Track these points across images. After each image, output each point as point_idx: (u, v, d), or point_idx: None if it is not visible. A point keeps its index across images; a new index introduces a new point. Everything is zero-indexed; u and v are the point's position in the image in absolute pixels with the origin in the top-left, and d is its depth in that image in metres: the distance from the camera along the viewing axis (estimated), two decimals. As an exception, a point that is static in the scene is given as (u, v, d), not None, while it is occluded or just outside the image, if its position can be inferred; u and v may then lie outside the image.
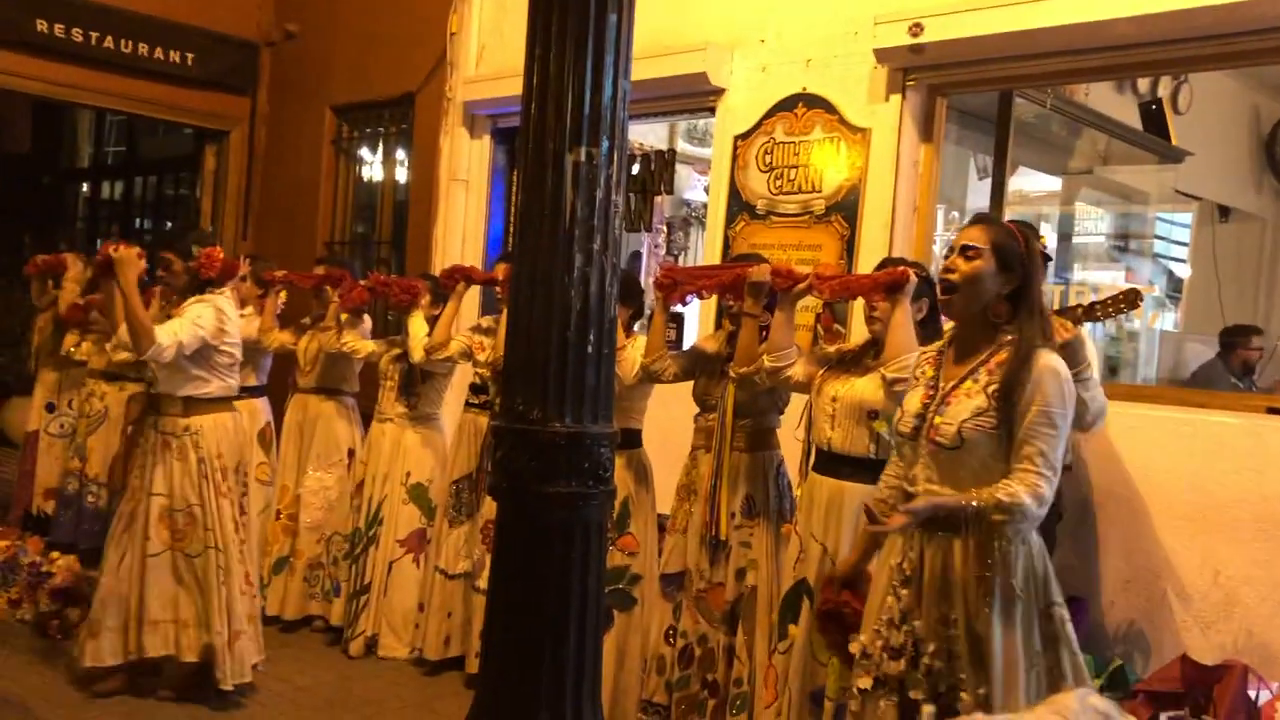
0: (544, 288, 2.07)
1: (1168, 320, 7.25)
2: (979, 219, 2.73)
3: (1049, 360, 2.49)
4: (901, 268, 3.34)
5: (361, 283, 5.17)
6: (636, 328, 4.36)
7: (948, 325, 4.00)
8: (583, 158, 2.07)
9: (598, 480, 2.09)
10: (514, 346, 2.15)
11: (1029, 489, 2.42)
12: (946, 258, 2.62)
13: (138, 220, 10.18)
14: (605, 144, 2.09)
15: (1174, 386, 5.45)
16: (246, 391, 5.50)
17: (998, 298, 2.57)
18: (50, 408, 6.44)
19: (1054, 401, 2.45)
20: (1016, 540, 2.51)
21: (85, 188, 10.84)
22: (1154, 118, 6.00)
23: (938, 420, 2.55)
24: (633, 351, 4.00)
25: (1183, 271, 7.24)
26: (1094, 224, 6.93)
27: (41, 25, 6.73)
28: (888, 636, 2.63)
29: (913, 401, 2.66)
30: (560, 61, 2.09)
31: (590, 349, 2.10)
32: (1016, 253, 2.57)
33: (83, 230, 10.48)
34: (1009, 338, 2.56)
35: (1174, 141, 6.14)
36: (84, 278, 6.40)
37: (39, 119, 10.23)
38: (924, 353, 2.80)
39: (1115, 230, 7.00)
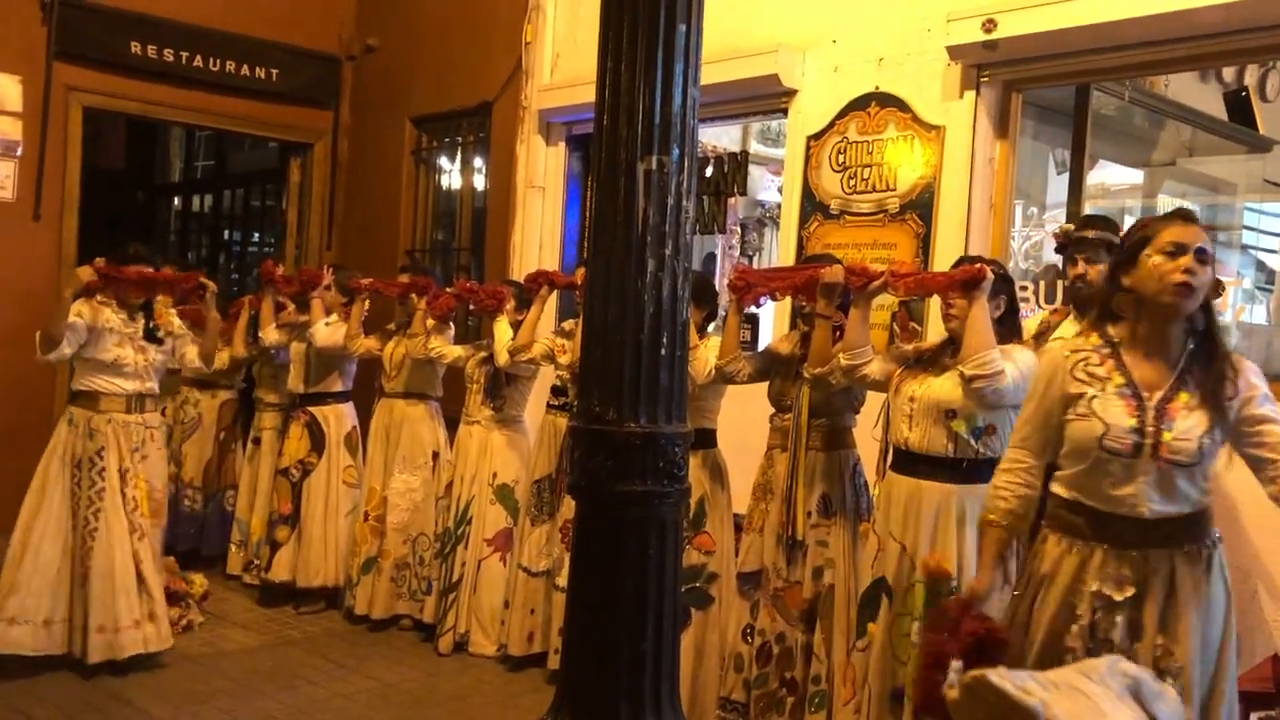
0: (618, 292, 2.13)
1: (1259, 313, 7.05)
2: (1193, 217, 2.53)
3: (1241, 358, 2.51)
4: (979, 264, 3.33)
5: (448, 290, 5.30)
6: (711, 329, 4.40)
7: (1026, 321, 3.98)
8: (654, 166, 2.12)
9: (672, 479, 2.14)
10: (589, 349, 2.21)
11: None
12: (1173, 255, 2.40)
13: (226, 232, 10.50)
14: (676, 152, 2.14)
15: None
16: (333, 397, 5.69)
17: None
18: (147, 415, 6.69)
19: (1266, 385, 2.47)
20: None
21: (177, 202, 11.20)
22: (1239, 107, 5.85)
23: (1168, 437, 2.39)
24: (706, 352, 4.04)
25: (1274, 263, 7.03)
26: (1180, 216, 6.76)
27: (135, 47, 7.00)
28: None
29: (1115, 413, 2.43)
30: (631, 72, 2.14)
31: (664, 351, 2.14)
32: (1214, 258, 2.50)
33: (175, 243, 10.83)
34: (1195, 341, 2.49)
35: (1261, 130, 5.98)
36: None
37: (132, 136, 10.59)
38: (1077, 349, 2.55)
39: (1203, 221, 6.81)
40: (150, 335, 4.82)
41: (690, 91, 2.17)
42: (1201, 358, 2.48)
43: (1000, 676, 1.16)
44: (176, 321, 5.06)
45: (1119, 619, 2.42)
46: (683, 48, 2.16)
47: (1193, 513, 2.47)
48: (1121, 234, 3.86)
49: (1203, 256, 2.42)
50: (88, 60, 6.87)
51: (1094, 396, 2.48)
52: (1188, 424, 2.41)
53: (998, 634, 2.43)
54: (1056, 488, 2.59)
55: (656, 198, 2.12)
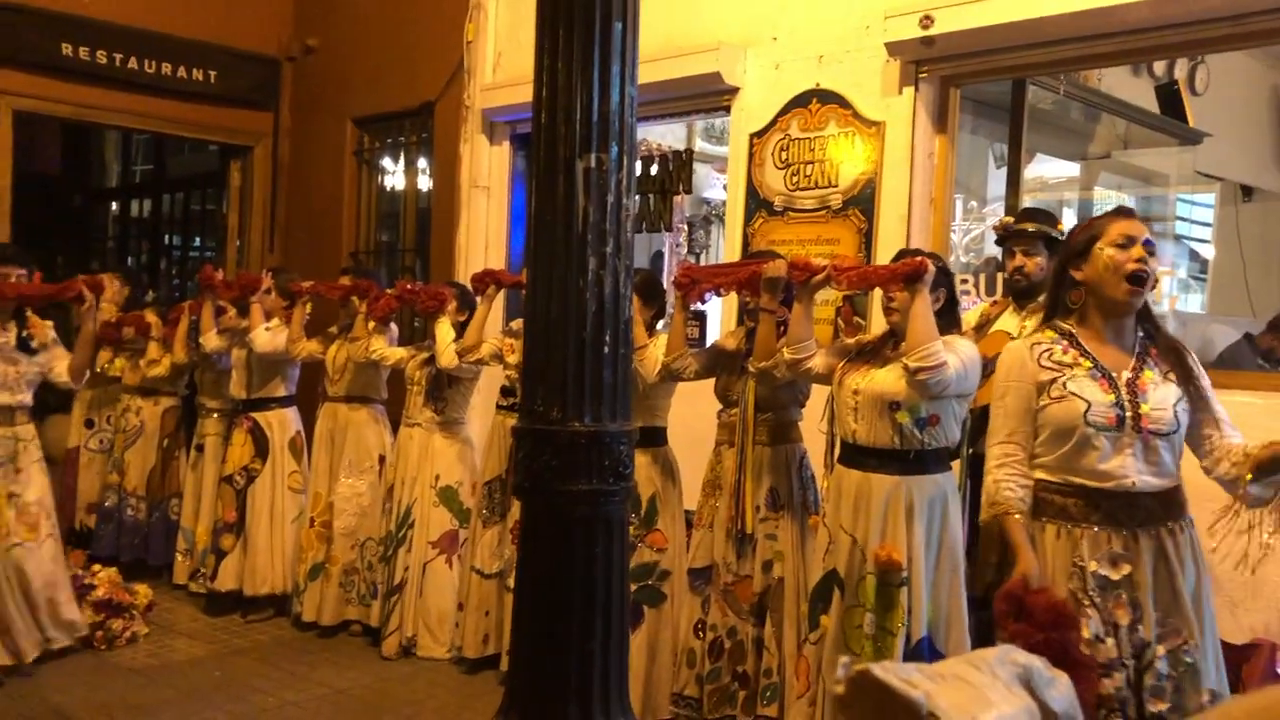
0: (559, 291, 2.13)
1: (1194, 302, 7.21)
2: (1133, 211, 2.68)
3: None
4: (919, 258, 3.37)
5: (389, 291, 5.25)
6: (660, 326, 4.41)
7: (966, 313, 4.04)
8: (593, 164, 2.12)
9: (618, 477, 2.14)
10: (532, 349, 2.21)
11: None
12: (1125, 247, 2.52)
13: (166, 237, 10.33)
14: (614, 149, 2.14)
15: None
16: (276, 402, 5.62)
17: None
18: (89, 424, 6.58)
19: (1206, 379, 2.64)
20: None
21: (115, 207, 11.00)
22: (1170, 100, 5.98)
23: (1146, 409, 2.51)
24: (655, 350, 4.04)
25: (1207, 253, 7.20)
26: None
27: (67, 49, 6.85)
28: (1091, 654, 2.44)
29: (1091, 390, 2.53)
30: (568, 71, 2.14)
31: (607, 349, 2.15)
32: None
33: (113, 249, 10.64)
34: (1142, 328, 2.63)
35: (1191, 123, 6.12)
36: (121, 297, 6.54)
37: (68, 141, 10.39)
38: (1038, 342, 2.64)
39: (1137, 213, 6.95)
40: (23, 345, 4.65)
41: (628, 89, 2.18)
42: (1155, 342, 2.63)
43: (884, 669, 1.17)
44: (51, 333, 4.83)
45: (1123, 597, 2.48)
46: (619, 46, 2.16)
47: (1173, 487, 2.58)
48: (1059, 226, 3.95)
49: (1150, 247, 2.55)
50: (18, 63, 6.72)
51: (1066, 379, 2.57)
52: (1159, 395, 2.54)
53: (1065, 604, 2.43)
54: (1042, 474, 2.64)
55: (596, 196, 2.13)
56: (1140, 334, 2.64)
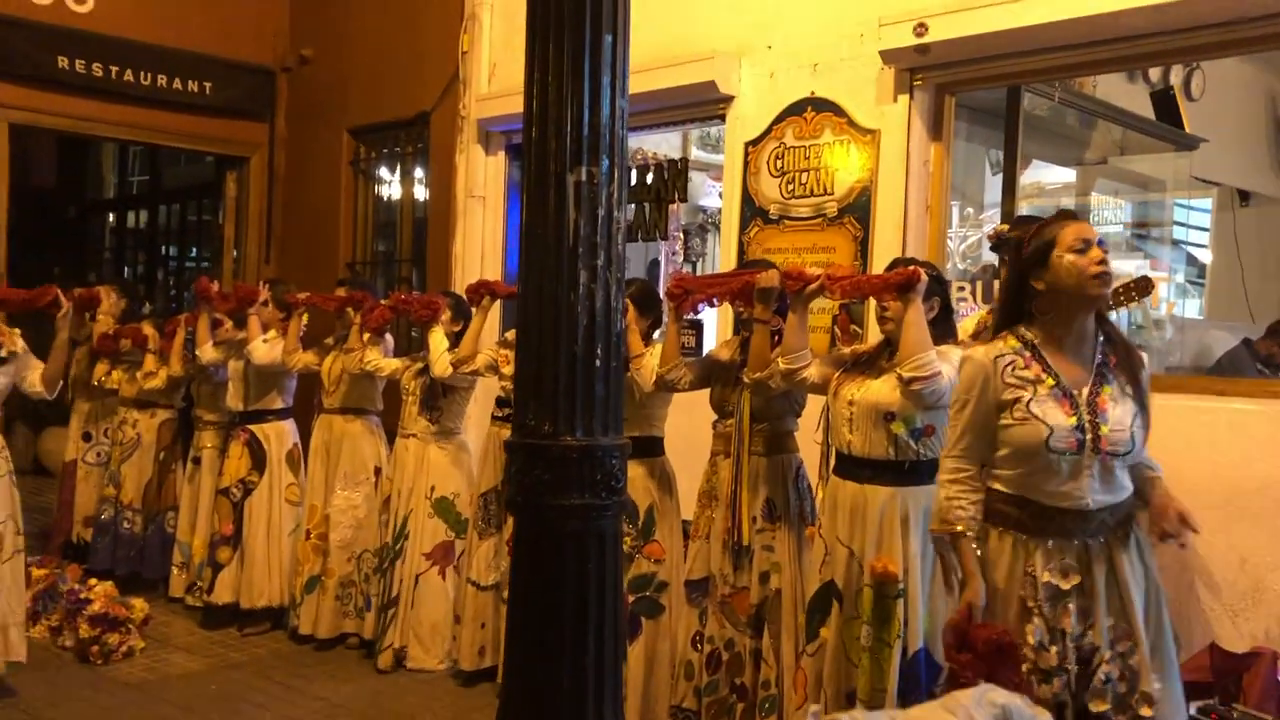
0: (550, 304, 2.11)
1: (1192, 307, 7.20)
2: (1076, 215, 2.73)
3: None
4: (913, 267, 3.36)
5: (383, 302, 5.24)
6: (656, 336, 4.40)
7: (964, 321, 4.03)
8: (584, 177, 2.10)
9: (610, 491, 2.12)
10: (524, 362, 2.19)
11: None
12: (1083, 251, 2.53)
13: (163, 248, 10.32)
14: (605, 162, 2.13)
15: (1195, 375, 5.42)
16: (273, 414, 5.61)
17: None
18: (87, 437, 6.57)
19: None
20: None
21: (111, 218, 11.00)
22: (1166, 106, 5.98)
23: (1105, 430, 2.52)
24: (651, 360, 4.03)
25: (1205, 258, 7.19)
26: (1112, 213, 6.90)
27: (62, 62, 6.85)
28: (1035, 660, 2.51)
29: (1055, 415, 2.53)
30: (559, 84, 2.13)
31: (599, 363, 2.13)
32: None
33: (110, 261, 10.64)
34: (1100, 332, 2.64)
35: (1187, 129, 6.12)
36: (118, 310, 6.53)
37: (63, 153, 10.39)
38: (1000, 354, 2.62)
39: (1134, 219, 6.97)
40: None
41: (618, 102, 2.17)
42: (1113, 349, 2.64)
43: (853, 718, 1.15)
44: (20, 341, 4.66)
45: (1071, 606, 2.52)
46: (610, 58, 2.15)
47: (1124, 499, 2.61)
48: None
49: (1104, 247, 2.58)
50: (13, 76, 6.72)
51: (1030, 400, 2.56)
52: (1118, 414, 2.55)
53: (1008, 637, 2.46)
54: (996, 484, 2.65)
55: (587, 209, 2.11)
56: (1100, 339, 2.64)
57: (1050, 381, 2.57)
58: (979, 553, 2.62)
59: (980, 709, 1.17)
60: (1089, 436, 2.51)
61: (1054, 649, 2.52)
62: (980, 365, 2.64)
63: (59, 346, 4.75)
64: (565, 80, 2.12)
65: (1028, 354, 2.61)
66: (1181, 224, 7.09)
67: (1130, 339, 2.91)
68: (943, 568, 2.76)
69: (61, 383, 4.83)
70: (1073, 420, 2.52)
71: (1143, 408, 2.60)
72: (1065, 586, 2.52)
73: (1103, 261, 2.53)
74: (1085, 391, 2.56)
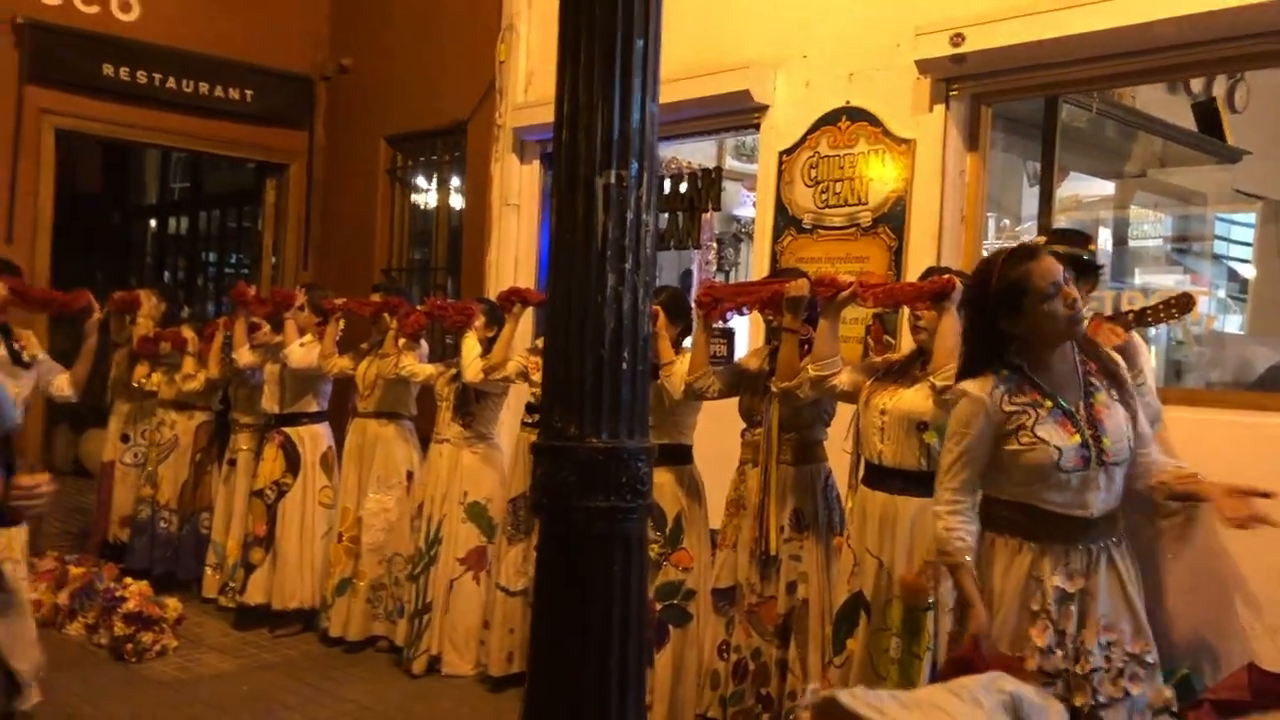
0: (578, 307, 2.11)
1: (1234, 323, 7.09)
2: (1038, 252, 2.69)
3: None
4: (947, 276, 3.34)
5: (418, 308, 5.28)
6: (687, 343, 4.39)
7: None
8: (613, 180, 2.11)
9: (635, 494, 2.12)
10: (551, 365, 2.20)
11: None
12: (1054, 295, 2.55)
13: (203, 253, 10.46)
14: (635, 166, 2.13)
15: (1235, 390, 5.33)
16: (308, 417, 5.66)
17: None
18: (125, 438, 6.65)
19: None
20: None
21: (153, 224, 11.16)
22: (1208, 118, 5.90)
23: (1107, 442, 2.57)
24: (681, 367, 4.03)
25: (1247, 272, 7.08)
26: (1152, 227, 6.82)
27: (108, 70, 6.98)
28: (1041, 664, 2.54)
29: (1059, 435, 2.54)
30: (589, 87, 2.13)
31: (625, 366, 2.13)
32: None
33: (151, 265, 10.79)
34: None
35: (1229, 141, 6.03)
36: (158, 313, 6.63)
37: (108, 159, 10.57)
38: (994, 385, 2.60)
39: (1174, 233, 6.87)
40: (16, 359, 4.50)
41: (649, 106, 2.17)
42: (1088, 357, 2.69)
43: (852, 697, 1.12)
44: (38, 346, 4.70)
45: (1072, 609, 2.56)
46: (640, 62, 2.15)
47: (1119, 506, 2.67)
48: (1091, 246, 3.89)
49: (1068, 278, 2.60)
50: (60, 83, 6.85)
51: (1034, 424, 2.58)
52: (1114, 423, 2.61)
53: (1019, 665, 2.46)
54: (996, 494, 2.66)
55: (616, 212, 2.11)
56: (1075, 351, 2.68)
57: (1049, 404, 2.59)
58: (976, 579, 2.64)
59: (988, 694, 1.15)
60: (1094, 451, 2.56)
61: (1059, 652, 2.55)
62: (977, 400, 2.61)
63: (87, 350, 4.85)
64: (596, 84, 2.13)
65: (1019, 380, 2.63)
66: (1223, 238, 6.99)
67: (1120, 351, 2.97)
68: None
69: (84, 384, 4.90)
70: (1077, 439, 2.56)
71: (1129, 407, 2.66)
72: (1072, 590, 2.56)
73: (1074, 301, 2.57)
74: (1081, 406, 2.60)
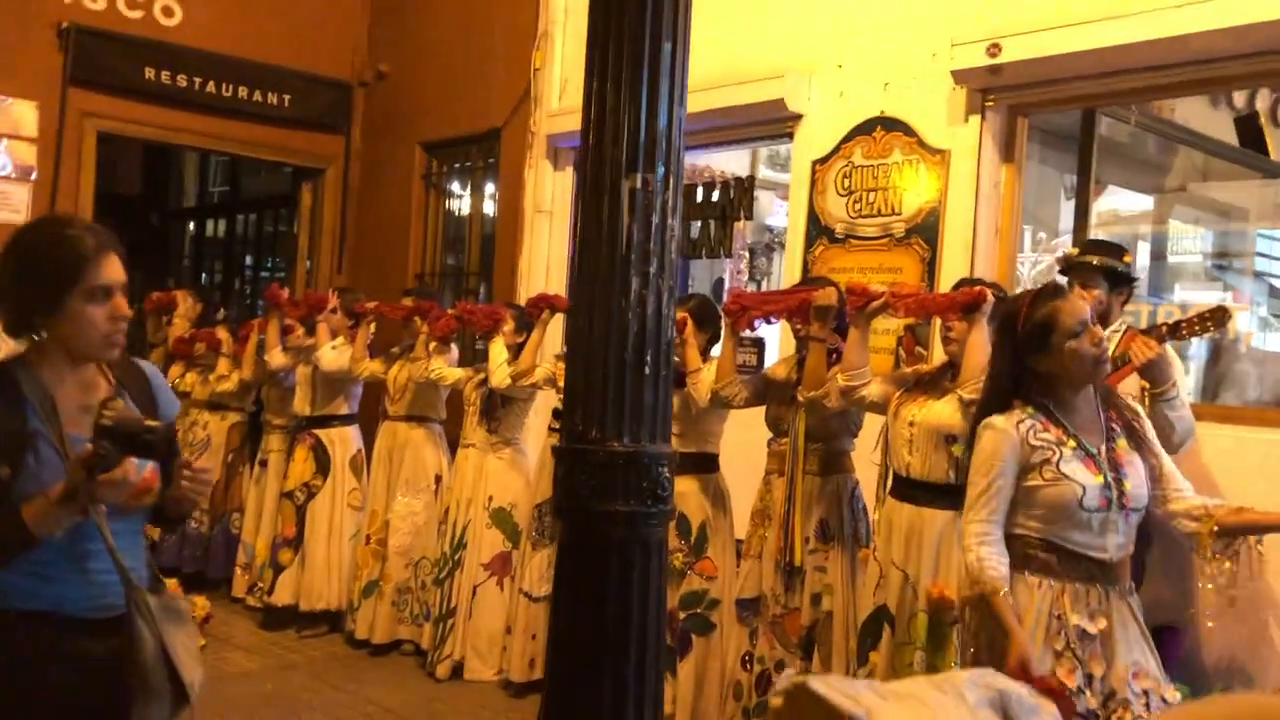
0: (602, 310, 2.10)
1: (1274, 341, 6.97)
2: (1064, 289, 2.80)
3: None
4: (979, 287, 3.31)
5: (449, 312, 5.30)
6: (715, 351, 4.38)
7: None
8: (639, 184, 2.10)
9: (656, 499, 2.10)
10: (573, 367, 2.19)
11: None
12: (1081, 334, 2.59)
13: (240, 256, 10.56)
14: (661, 170, 2.12)
15: (1275, 408, 5.24)
16: (339, 420, 5.69)
17: None
18: (157, 437, 6.71)
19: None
20: None
21: (191, 226, 11.28)
22: (1251, 132, 5.81)
23: (1128, 487, 2.59)
24: (708, 375, 4.02)
25: (1289, 290, 6.95)
26: (1191, 242, 6.72)
27: (149, 73, 7.07)
28: (1075, 704, 2.53)
29: (1082, 474, 2.56)
30: (617, 91, 2.12)
31: (648, 370, 2.11)
32: None
33: (189, 267, 10.90)
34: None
35: (1272, 155, 5.94)
36: (194, 314, 6.70)
37: (148, 161, 10.70)
38: (1020, 420, 2.62)
39: (1214, 248, 6.77)
40: None
41: (676, 110, 2.16)
42: (1107, 406, 2.70)
43: (825, 683, 1.09)
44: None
45: (1097, 650, 2.55)
46: (669, 66, 2.14)
47: (1129, 554, 2.67)
48: (1127, 259, 3.85)
49: (1093, 318, 2.65)
50: (103, 86, 6.94)
51: (1059, 460, 2.59)
52: (1135, 469, 2.63)
53: (1063, 692, 2.46)
54: (1022, 531, 2.64)
55: (641, 216, 2.10)
56: (1096, 398, 2.70)
57: (1073, 443, 2.61)
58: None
59: (973, 689, 1.11)
60: (1115, 494, 2.58)
61: (1088, 692, 2.54)
62: (1005, 433, 2.62)
63: None
64: (623, 87, 2.12)
65: (1044, 418, 2.64)
66: (1265, 255, 6.87)
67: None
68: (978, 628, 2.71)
69: None
70: (1100, 479, 2.58)
71: (1147, 460, 2.68)
72: (1093, 631, 2.55)
73: (1100, 341, 2.61)
74: (1103, 449, 2.62)
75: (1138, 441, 2.68)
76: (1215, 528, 2.55)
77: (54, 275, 1.99)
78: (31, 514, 1.90)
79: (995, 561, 2.60)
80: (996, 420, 2.63)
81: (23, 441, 1.95)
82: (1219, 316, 3.43)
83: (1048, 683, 2.40)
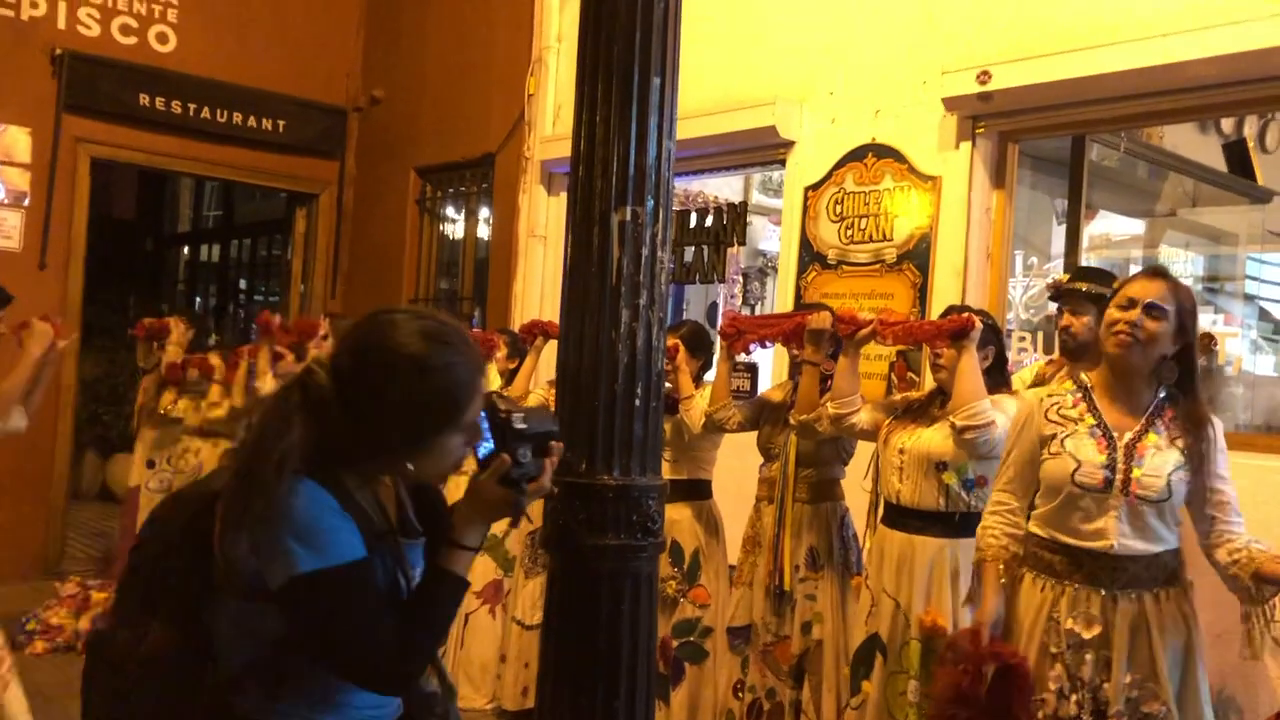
0: (591, 343, 2.11)
1: (1265, 364, 6.99)
2: (1162, 273, 2.67)
3: (1217, 421, 2.61)
4: (967, 314, 3.31)
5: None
6: (708, 377, 4.38)
7: (1022, 371, 3.96)
8: (628, 217, 2.11)
9: (646, 532, 2.11)
10: (563, 399, 2.19)
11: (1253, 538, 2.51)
12: (1125, 308, 2.53)
13: (234, 281, 10.57)
14: (650, 203, 2.13)
15: (1266, 434, 5.25)
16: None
17: (1164, 357, 2.57)
18: (150, 464, 6.68)
19: (1225, 457, 2.58)
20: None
21: (185, 251, 11.30)
22: (1239, 158, 5.85)
23: (1138, 473, 2.50)
24: (701, 401, 4.02)
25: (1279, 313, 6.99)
26: (1183, 266, 6.75)
27: (143, 99, 7.09)
28: (1056, 708, 2.52)
29: (1087, 450, 2.54)
30: (606, 125, 2.14)
31: (638, 402, 2.12)
32: (1190, 313, 2.58)
33: (183, 291, 10.91)
34: (1168, 391, 2.59)
35: (1260, 181, 5.98)
36: (186, 340, 6.68)
37: (143, 187, 10.73)
38: (1052, 394, 2.68)
39: (1205, 272, 6.81)
40: None
41: (665, 143, 2.17)
42: (1175, 407, 2.59)
43: None
44: None
45: (1088, 657, 2.51)
46: (657, 100, 2.16)
47: (1162, 552, 2.55)
48: (1115, 285, 3.86)
49: (1154, 311, 2.52)
50: (96, 112, 6.96)
51: (1066, 436, 2.59)
52: (1156, 461, 2.51)
53: (1022, 662, 2.48)
54: (1034, 526, 2.67)
55: (631, 248, 2.11)
56: (1161, 394, 2.60)
57: (1091, 421, 2.59)
58: (1004, 581, 2.67)
59: None
60: (1118, 477, 2.51)
61: (1073, 697, 2.51)
62: (1028, 404, 2.72)
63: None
64: (613, 120, 2.13)
65: (1078, 395, 2.65)
66: (1255, 278, 6.91)
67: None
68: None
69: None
70: (1102, 458, 2.53)
71: (1194, 464, 2.53)
72: (1087, 636, 2.51)
73: (1131, 323, 2.51)
74: (1129, 436, 2.55)
75: (1196, 460, 2.53)
76: (1252, 577, 2.46)
77: (434, 419, 1.66)
78: (455, 563, 1.69)
79: (996, 531, 2.68)
80: (1028, 392, 2.74)
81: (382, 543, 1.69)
82: (1204, 343, 3.45)
83: (1005, 650, 2.49)
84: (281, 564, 1.56)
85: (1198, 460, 2.53)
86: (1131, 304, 2.53)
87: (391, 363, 1.64)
